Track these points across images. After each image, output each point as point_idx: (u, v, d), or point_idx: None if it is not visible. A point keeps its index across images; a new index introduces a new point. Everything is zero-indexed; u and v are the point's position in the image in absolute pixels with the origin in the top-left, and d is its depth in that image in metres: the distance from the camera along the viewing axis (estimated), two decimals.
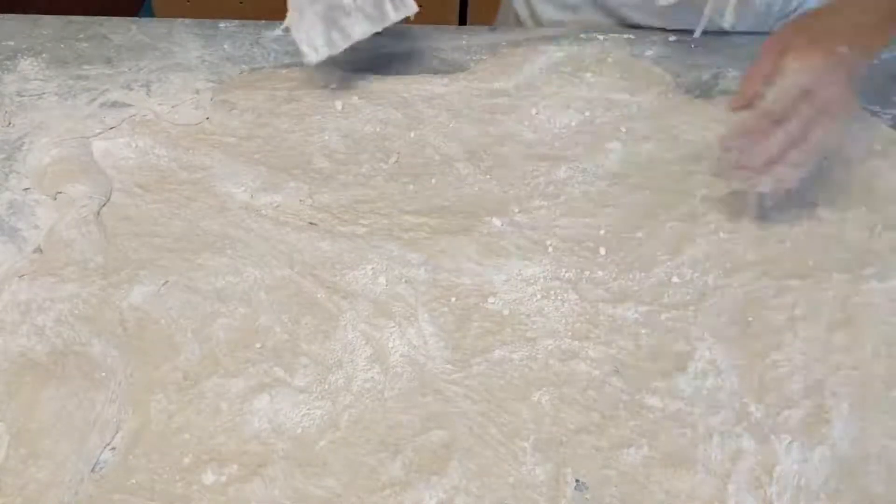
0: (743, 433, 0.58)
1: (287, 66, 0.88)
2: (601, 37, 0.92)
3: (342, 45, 0.79)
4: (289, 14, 0.79)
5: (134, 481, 0.54)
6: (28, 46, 0.89)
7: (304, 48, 0.79)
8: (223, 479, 0.54)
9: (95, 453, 0.56)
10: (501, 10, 1.13)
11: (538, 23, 0.99)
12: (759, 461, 0.56)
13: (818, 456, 0.56)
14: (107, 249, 0.68)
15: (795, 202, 0.74)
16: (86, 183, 0.72)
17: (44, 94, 0.83)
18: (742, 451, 0.57)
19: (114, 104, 0.81)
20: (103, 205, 0.72)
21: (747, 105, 0.66)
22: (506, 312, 0.65)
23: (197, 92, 0.83)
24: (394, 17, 0.79)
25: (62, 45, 0.89)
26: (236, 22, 0.94)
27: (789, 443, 0.57)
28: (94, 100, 0.82)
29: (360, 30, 0.79)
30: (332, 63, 0.88)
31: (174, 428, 0.57)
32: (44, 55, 0.88)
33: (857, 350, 0.63)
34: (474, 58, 0.89)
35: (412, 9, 0.80)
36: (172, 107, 0.81)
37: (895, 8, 0.68)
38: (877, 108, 0.85)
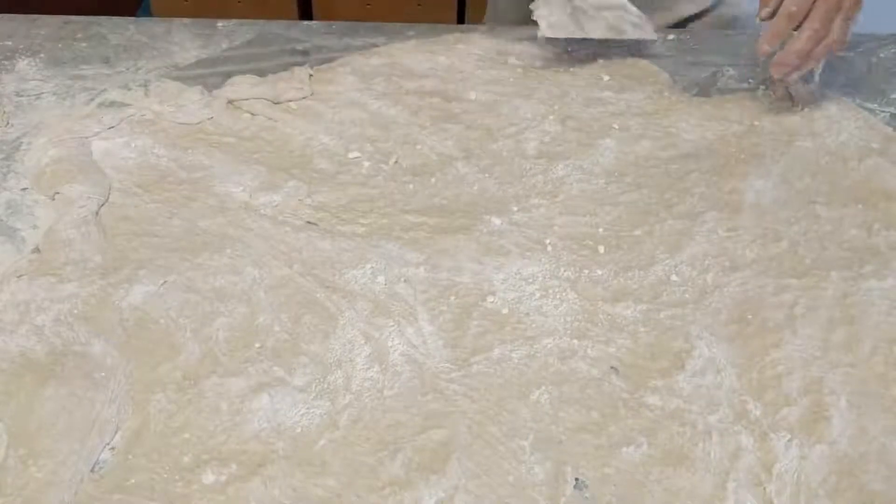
0: (742, 431, 0.58)
1: (285, 65, 0.88)
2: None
3: (577, 35, 0.85)
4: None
5: (133, 481, 0.54)
6: (26, 46, 0.89)
7: (542, 24, 0.84)
8: (223, 478, 0.54)
9: (95, 453, 0.56)
10: (490, 9, 1.12)
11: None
12: (758, 459, 0.56)
13: (817, 454, 0.56)
14: (106, 249, 0.68)
15: (794, 200, 0.74)
16: (84, 183, 0.72)
17: (42, 93, 0.83)
18: (741, 448, 0.57)
19: (112, 104, 0.81)
20: (102, 204, 0.72)
21: (773, 13, 0.79)
22: (505, 311, 0.65)
23: (195, 91, 0.83)
24: (631, 34, 0.86)
25: (60, 45, 0.89)
26: (234, 21, 0.94)
27: (788, 440, 0.57)
28: (92, 100, 0.82)
29: (597, 33, 0.86)
30: (330, 62, 0.88)
31: (174, 427, 0.57)
32: (42, 55, 0.88)
33: (856, 348, 0.63)
34: (472, 56, 0.89)
35: (650, 35, 0.87)
36: (171, 106, 0.81)
37: None
38: (874, 106, 0.85)
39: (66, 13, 0.94)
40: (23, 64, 0.87)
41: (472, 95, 0.84)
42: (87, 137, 0.77)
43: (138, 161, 0.77)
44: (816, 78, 0.85)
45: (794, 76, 0.81)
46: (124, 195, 0.73)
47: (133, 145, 0.78)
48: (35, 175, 0.74)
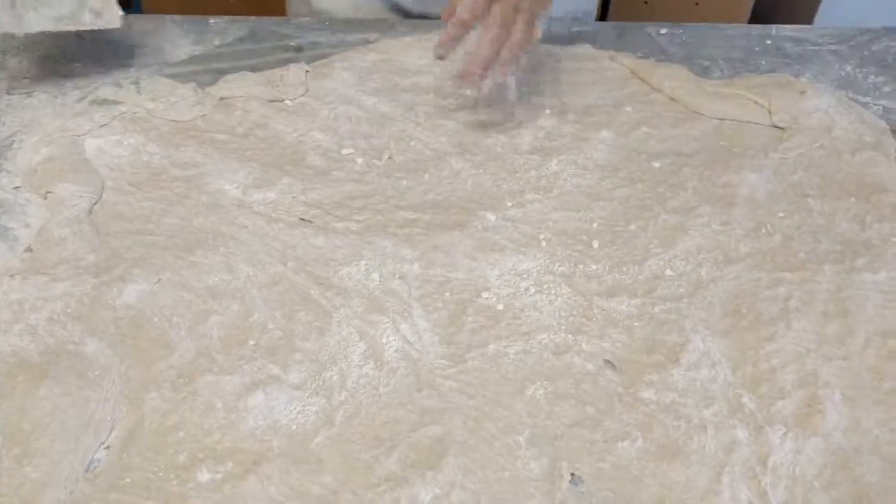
0: (737, 424, 0.58)
1: (278, 61, 0.88)
2: (590, 28, 0.93)
3: (17, 31, 0.78)
4: None
5: (129, 480, 0.54)
6: (18, 45, 0.88)
7: None
8: (218, 476, 0.54)
9: (90, 452, 0.56)
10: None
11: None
12: (753, 452, 0.56)
13: (812, 446, 0.56)
14: (99, 248, 0.68)
15: (787, 194, 0.74)
16: (77, 181, 0.72)
17: (33, 91, 0.83)
18: (736, 442, 0.57)
19: (104, 101, 0.81)
20: (95, 203, 0.72)
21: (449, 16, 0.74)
22: (500, 307, 0.65)
23: (188, 88, 0.83)
24: (89, 24, 0.79)
25: (52, 43, 0.89)
26: (226, 18, 0.94)
27: (783, 433, 0.57)
28: (83, 97, 0.82)
29: (42, 25, 0.78)
30: (323, 58, 0.88)
31: (169, 426, 0.57)
32: (33, 53, 0.87)
33: (850, 341, 0.63)
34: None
35: (113, 23, 0.80)
36: (163, 103, 0.81)
37: None
38: (867, 100, 0.85)
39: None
40: (14, 62, 0.86)
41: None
42: (79, 135, 0.77)
43: (131, 159, 0.76)
44: (512, 85, 0.79)
45: (487, 86, 0.75)
46: (117, 193, 0.73)
47: (125, 143, 0.77)
48: (27, 173, 0.74)
